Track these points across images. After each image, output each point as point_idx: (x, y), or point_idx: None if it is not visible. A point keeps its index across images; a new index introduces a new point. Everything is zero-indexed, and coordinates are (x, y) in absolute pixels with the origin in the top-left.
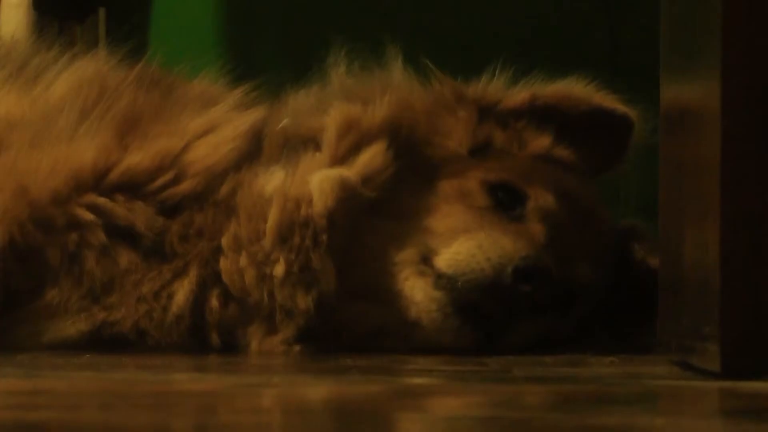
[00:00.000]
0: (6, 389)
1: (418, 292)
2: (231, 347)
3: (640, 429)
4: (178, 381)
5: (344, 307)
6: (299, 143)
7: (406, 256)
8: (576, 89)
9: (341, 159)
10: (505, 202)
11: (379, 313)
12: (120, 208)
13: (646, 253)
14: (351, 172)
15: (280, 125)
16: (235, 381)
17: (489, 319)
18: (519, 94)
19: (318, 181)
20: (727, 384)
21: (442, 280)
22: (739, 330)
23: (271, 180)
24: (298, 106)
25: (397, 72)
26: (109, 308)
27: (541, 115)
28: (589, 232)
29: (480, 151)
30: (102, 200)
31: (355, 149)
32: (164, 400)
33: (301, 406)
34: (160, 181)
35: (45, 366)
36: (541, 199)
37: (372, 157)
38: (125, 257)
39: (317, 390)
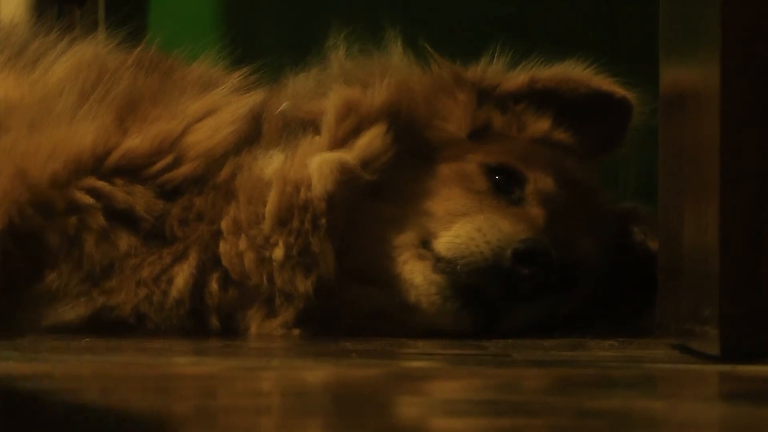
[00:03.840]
0: (6, 373)
1: (417, 276)
2: (230, 331)
3: (639, 412)
4: (178, 364)
5: (343, 290)
6: (299, 126)
7: (405, 239)
8: (575, 72)
9: (341, 142)
10: (504, 185)
11: (378, 296)
12: (119, 192)
13: (645, 236)
14: (350, 155)
15: (280, 109)
16: (234, 364)
17: (488, 303)
18: (518, 77)
19: (317, 164)
20: (727, 367)
21: (441, 264)
22: (738, 313)
23: (271, 163)
24: (298, 90)
25: (396, 55)
26: (108, 292)
27: (540, 98)
28: (589, 215)
29: (479, 134)
30: (101, 183)
31: (355, 132)
32: (164, 383)
33: (300, 389)
34: (159, 165)
35: (45, 350)
36: (540, 182)
37: (371, 140)
38: (125, 241)
39: (316, 373)
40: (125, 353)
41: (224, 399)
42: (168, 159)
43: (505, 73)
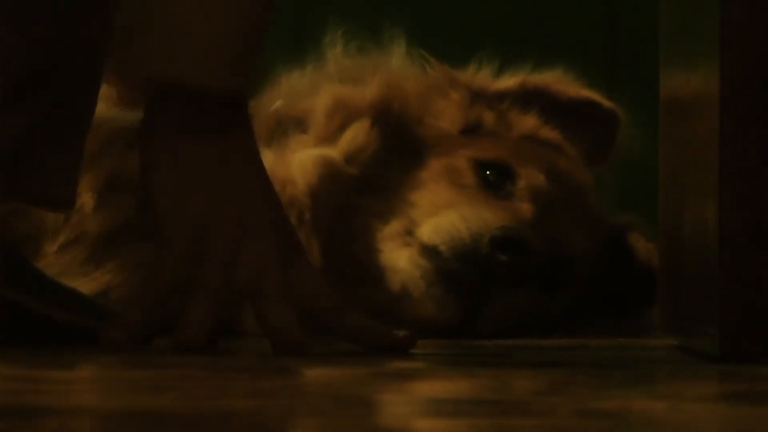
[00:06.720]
0: (2, 374)
1: (402, 261)
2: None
3: (638, 413)
4: (175, 365)
5: (333, 288)
6: (290, 125)
7: (390, 230)
8: (566, 81)
9: (328, 139)
10: (493, 181)
11: (365, 291)
12: None
13: (650, 254)
14: (334, 150)
15: (273, 107)
16: (231, 364)
17: (471, 289)
18: (510, 80)
19: (299, 160)
20: (727, 367)
21: (425, 249)
22: (738, 313)
23: None
24: (292, 88)
25: (392, 55)
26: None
27: (529, 99)
28: (580, 214)
29: (471, 131)
30: None
31: (342, 129)
32: (161, 383)
33: (298, 389)
34: None
35: (43, 350)
36: (531, 177)
37: (355, 134)
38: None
39: (314, 373)
40: (123, 353)
41: (222, 399)
42: None
43: (497, 76)
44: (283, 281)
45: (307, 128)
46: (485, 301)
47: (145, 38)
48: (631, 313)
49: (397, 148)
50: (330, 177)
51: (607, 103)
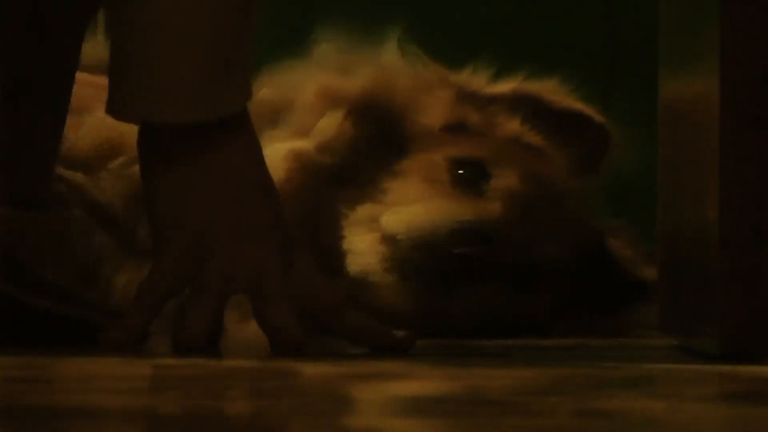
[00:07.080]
0: (2, 375)
1: (362, 245)
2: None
3: (638, 412)
4: (175, 365)
5: None
6: (275, 117)
7: (357, 216)
8: (560, 92)
9: (310, 128)
10: (467, 178)
11: (339, 284)
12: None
13: (627, 259)
14: (307, 141)
15: (259, 97)
16: (229, 365)
17: (430, 280)
18: (504, 85)
19: (269, 154)
20: (727, 367)
21: (386, 236)
22: (739, 313)
23: None
24: (282, 80)
25: (387, 51)
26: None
27: (520, 105)
28: (555, 217)
29: (453, 130)
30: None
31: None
32: (161, 383)
33: (297, 389)
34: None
35: (43, 349)
36: (505, 178)
37: (329, 123)
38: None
39: (312, 370)
40: (112, 354)
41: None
42: None
43: (493, 80)
44: (283, 281)
45: (291, 119)
46: (448, 294)
47: (127, 85)
48: (609, 315)
49: (378, 141)
50: (301, 170)
51: (598, 117)
